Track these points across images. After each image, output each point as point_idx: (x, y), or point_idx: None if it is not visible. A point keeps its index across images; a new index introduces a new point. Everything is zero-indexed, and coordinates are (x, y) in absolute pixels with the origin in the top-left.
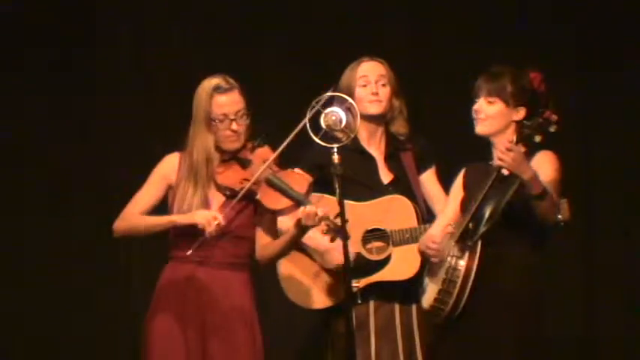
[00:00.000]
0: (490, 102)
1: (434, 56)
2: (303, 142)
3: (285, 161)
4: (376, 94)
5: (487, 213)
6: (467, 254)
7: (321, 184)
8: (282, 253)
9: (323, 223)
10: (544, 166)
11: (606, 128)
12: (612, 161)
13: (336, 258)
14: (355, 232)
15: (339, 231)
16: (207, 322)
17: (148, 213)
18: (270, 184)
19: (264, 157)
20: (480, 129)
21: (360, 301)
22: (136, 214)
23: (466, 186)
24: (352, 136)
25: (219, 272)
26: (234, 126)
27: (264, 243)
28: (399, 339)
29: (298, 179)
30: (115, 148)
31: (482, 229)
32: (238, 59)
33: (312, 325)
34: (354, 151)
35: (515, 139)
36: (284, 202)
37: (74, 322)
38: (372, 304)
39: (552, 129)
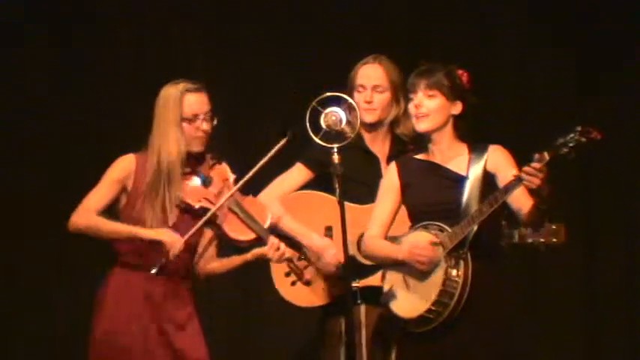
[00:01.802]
0: (430, 95)
1: (434, 56)
2: (304, 139)
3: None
4: (369, 102)
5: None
6: (462, 263)
7: (322, 182)
8: (227, 272)
9: (286, 264)
10: (508, 163)
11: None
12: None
13: (328, 264)
14: (350, 235)
15: (300, 274)
16: (164, 331)
17: (99, 214)
18: (234, 212)
19: (223, 177)
20: (423, 126)
21: (359, 301)
22: (94, 214)
23: (405, 183)
24: (352, 136)
25: (175, 283)
26: (204, 126)
27: (205, 255)
28: (391, 342)
29: (259, 210)
30: (115, 149)
31: (470, 237)
32: (238, 59)
33: (307, 324)
34: (358, 150)
35: (546, 155)
36: (248, 234)
37: (71, 323)
38: (363, 307)
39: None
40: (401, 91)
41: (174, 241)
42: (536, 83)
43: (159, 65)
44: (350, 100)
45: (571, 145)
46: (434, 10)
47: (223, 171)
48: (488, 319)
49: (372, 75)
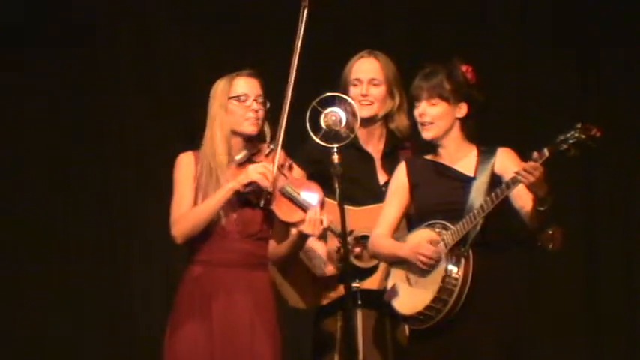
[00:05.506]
0: (433, 104)
1: (434, 57)
2: (303, 137)
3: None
4: (366, 95)
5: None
6: (462, 261)
7: (315, 180)
8: (289, 256)
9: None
10: (516, 166)
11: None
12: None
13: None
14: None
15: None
16: (232, 322)
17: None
18: (285, 194)
19: (278, 164)
20: (430, 134)
21: (360, 301)
22: (189, 212)
23: (414, 183)
24: (352, 135)
25: (242, 273)
26: (254, 105)
27: (275, 244)
28: (388, 347)
29: (311, 189)
30: (115, 148)
31: (472, 235)
32: (238, 59)
33: (303, 324)
34: (353, 149)
35: (546, 152)
36: (298, 215)
37: (72, 323)
38: (360, 312)
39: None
40: (396, 86)
41: (261, 172)
42: (537, 83)
43: (159, 65)
44: (350, 100)
45: (571, 141)
46: (434, 10)
47: (279, 157)
48: (496, 314)
49: (368, 69)
